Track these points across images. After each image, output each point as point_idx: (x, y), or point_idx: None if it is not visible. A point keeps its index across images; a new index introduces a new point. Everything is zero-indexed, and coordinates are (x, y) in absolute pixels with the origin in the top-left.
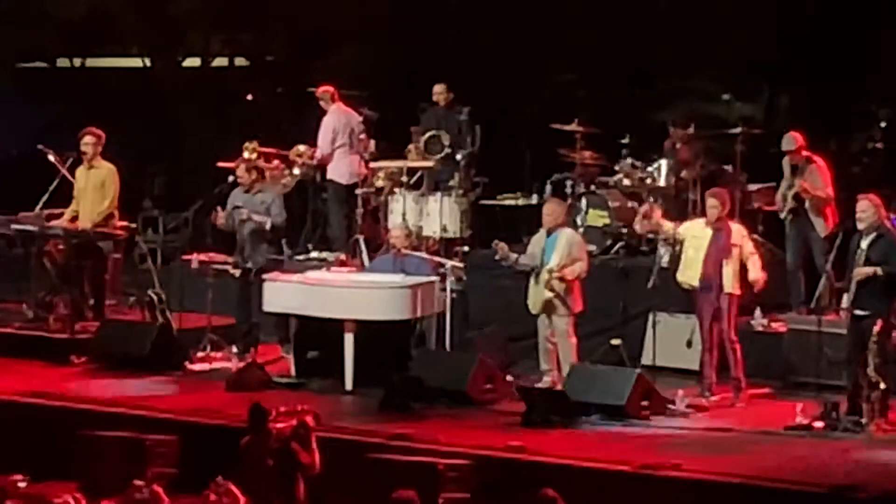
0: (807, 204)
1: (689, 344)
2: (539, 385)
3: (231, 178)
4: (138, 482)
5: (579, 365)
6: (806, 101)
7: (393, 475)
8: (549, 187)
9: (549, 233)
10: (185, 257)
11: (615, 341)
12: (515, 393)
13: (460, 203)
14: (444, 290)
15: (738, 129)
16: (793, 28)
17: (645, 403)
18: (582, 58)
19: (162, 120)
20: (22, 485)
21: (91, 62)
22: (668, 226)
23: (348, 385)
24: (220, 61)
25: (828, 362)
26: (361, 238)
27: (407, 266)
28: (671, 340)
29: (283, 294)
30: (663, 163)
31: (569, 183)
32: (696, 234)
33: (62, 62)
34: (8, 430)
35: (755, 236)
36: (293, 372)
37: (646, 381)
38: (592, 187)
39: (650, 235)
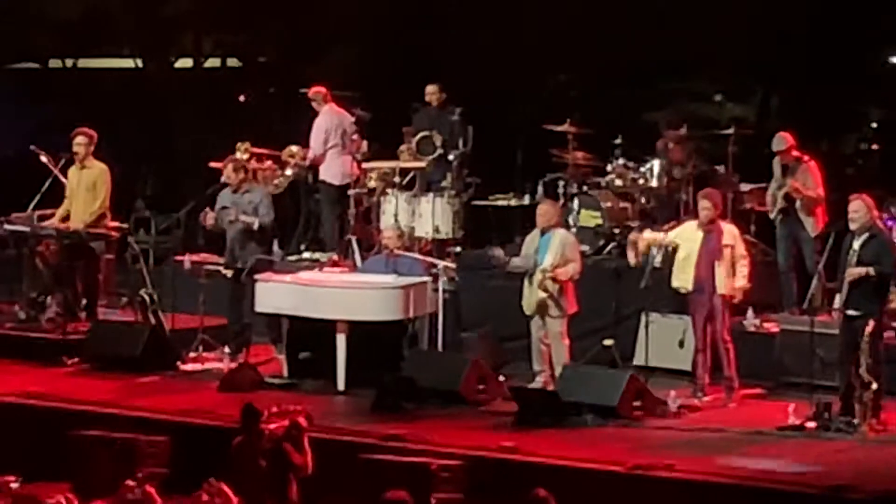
0: (797, 204)
1: (682, 344)
2: (531, 386)
3: (223, 179)
4: (130, 483)
5: (571, 365)
6: (798, 102)
7: (385, 475)
8: (541, 188)
9: (542, 233)
10: (178, 258)
11: (607, 342)
12: (508, 393)
13: (452, 204)
14: (436, 290)
15: (730, 130)
16: (785, 29)
17: (637, 404)
18: (574, 58)
19: (154, 120)
20: (14, 485)
21: (83, 63)
22: (658, 237)
23: (341, 385)
24: (213, 62)
25: (820, 363)
26: (354, 239)
27: (399, 267)
28: (663, 341)
29: (276, 294)
30: (655, 163)
31: (561, 183)
32: (688, 238)
33: (54, 63)
34: (0, 431)
35: (747, 236)
36: (285, 372)
37: (638, 382)
38: (585, 188)
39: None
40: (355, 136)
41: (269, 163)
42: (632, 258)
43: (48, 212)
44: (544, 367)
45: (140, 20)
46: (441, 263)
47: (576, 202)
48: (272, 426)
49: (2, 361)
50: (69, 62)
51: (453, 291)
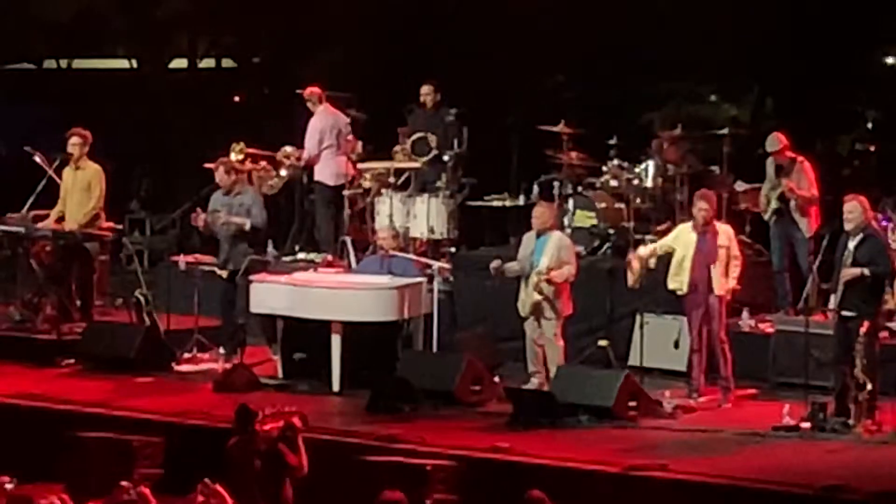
0: (792, 204)
1: (677, 345)
2: (526, 386)
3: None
4: (125, 483)
5: (566, 366)
6: (793, 103)
7: (380, 476)
8: (536, 188)
9: (538, 235)
10: (172, 259)
11: (602, 342)
12: (503, 394)
13: (447, 204)
14: (431, 291)
15: (725, 130)
16: (780, 29)
17: (632, 404)
18: (569, 59)
19: (149, 121)
20: (9, 486)
21: (78, 63)
22: (656, 247)
23: (335, 386)
24: (207, 63)
25: (815, 363)
26: (349, 239)
27: (394, 267)
28: (658, 341)
29: (271, 295)
30: (650, 163)
31: (556, 184)
32: (683, 240)
33: (49, 63)
34: None
35: (742, 237)
36: (280, 373)
37: (633, 382)
38: (579, 188)
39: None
40: (350, 137)
41: (263, 163)
42: (631, 280)
43: (43, 212)
44: (539, 368)
45: (134, 21)
46: (436, 264)
47: (571, 203)
48: (267, 427)
49: None
50: (64, 63)
51: (448, 292)
